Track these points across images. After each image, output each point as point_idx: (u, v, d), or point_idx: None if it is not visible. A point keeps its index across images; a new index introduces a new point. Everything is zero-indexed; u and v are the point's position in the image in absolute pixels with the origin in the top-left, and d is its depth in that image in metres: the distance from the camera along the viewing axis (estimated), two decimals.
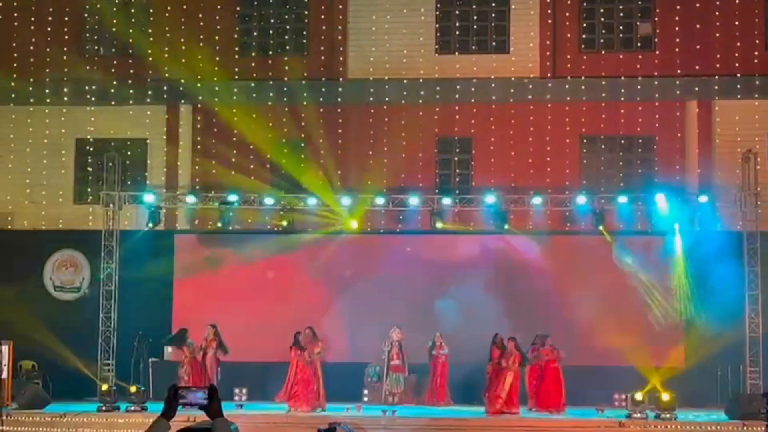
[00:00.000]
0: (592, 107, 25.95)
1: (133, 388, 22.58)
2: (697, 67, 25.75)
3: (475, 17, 26.56)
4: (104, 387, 22.75)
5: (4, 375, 21.89)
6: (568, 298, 25.12)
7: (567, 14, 26.28)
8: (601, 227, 24.39)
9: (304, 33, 26.88)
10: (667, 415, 21.45)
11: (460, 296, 24.75)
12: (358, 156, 26.07)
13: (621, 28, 26.38)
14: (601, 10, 26.39)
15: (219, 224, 25.07)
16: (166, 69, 26.61)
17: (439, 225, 24.62)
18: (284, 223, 24.98)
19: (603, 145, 26.11)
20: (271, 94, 26.50)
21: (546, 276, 25.29)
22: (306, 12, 26.86)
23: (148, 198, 24.96)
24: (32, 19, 26.97)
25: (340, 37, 26.59)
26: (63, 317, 25.46)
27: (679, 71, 25.77)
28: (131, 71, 26.81)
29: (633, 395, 21.94)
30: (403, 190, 25.20)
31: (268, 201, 24.90)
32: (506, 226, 24.46)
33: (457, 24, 26.53)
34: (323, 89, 26.45)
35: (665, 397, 21.68)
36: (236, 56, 26.81)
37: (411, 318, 24.92)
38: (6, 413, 20.66)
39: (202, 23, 26.72)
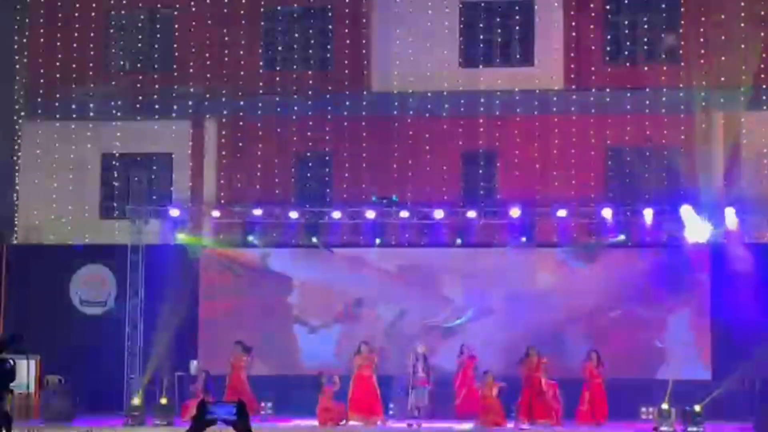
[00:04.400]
0: (617, 119, 25.87)
1: (163, 401, 22.65)
2: (723, 79, 25.63)
3: (499, 30, 26.54)
4: (134, 401, 22.79)
5: (31, 389, 22.03)
6: (594, 311, 25.11)
7: (591, 26, 26.22)
8: (622, 236, 24.29)
9: (329, 47, 26.94)
10: (695, 429, 21.35)
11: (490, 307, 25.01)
12: (382, 169, 26.05)
13: (646, 39, 26.30)
14: (626, 22, 26.33)
15: (248, 238, 25.09)
16: (191, 84, 26.73)
17: (458, 241, 24.64)
18: (314, 240, 25.00)
19: (628, 158, 26.02)
20: (295, 108, 26.54)
21: (568, 289, 25.29)
22: (330, 26, 26.92)
23: (174, 212, 25.01)
24: (58, 35, 27.14)
25: (364, 51, 26.63)
26: (89, 331, 25.55)
27: (704, 83, 25.66)
28: (156, 86, 26.93)
29: (660, 406, 21.86)
30: (428, 203, 25.17)
31: (293, 215, 24.91)
32: (523, 239, 24.40)
33: (481, 37, 26.52)
34: (347, 103, 26.48)
35: (696, 408, 21.58)
36: (261, 70, 26.88)
37: (437, 331, 25.06)
38: (33, 427, 20.72)
39: (227, 38, 26.82)
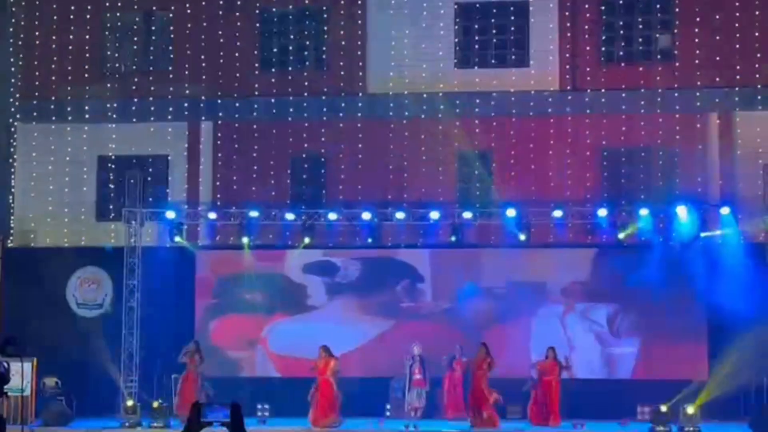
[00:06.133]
0: (612, 120, 25.88)
1: (155, 404, 22.66)
2: (718, 79, 25.65)
3: (494, 31, 26.54)
4: (128, 403, 22.82)
5: (28, 392, 22.01)
6: (589, 311, 25.20)
7: (586, 27, 26.24)
8: (623, 234, 24.38)
9: (324, 48, 26.95)
10: (691, 428, 21.39)
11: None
12: (378, 170, 26.07)
13: (641, 40, 26.30)
14: (621, 23, 26.33)
15: (243, 240, 25.11)
16: (187, 86, 26.74)
17: (453, 239, 24.68)
18: (306, 240, 25.00)
19: (623, 158, 26.04)
20: (291, 110, 26.56)
21: (567, 288, 25.38)
22: (325, 27, 26.92)
23: (170, 214, 25.01)
24: (53, 37, 27.13)
25: (359, 52, 26.63)
26: (86, 334, 25.54)
27: (699, 83, 25.68)
28: (152, 88, 26.93)
29: (658, 408, 21.89)
30: (424, 204, 25.20)
31: (289, 216, 24.93)
32: (522, 237, 24.42)
33: (477, 38, 26.52)
34: (343, 104, 26.50)
35: (690, 410, 21.60)
36: (256, 72, 26.88)
37: (436, 332, 25.14)
38: (29, 430, 20.72)
39: (222, 40, 26.82)
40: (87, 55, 27.13)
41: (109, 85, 26.95)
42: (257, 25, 27.04)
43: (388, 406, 24.52)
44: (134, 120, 26.84)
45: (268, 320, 25.89)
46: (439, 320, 25.44)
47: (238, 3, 26.95)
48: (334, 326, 25.14)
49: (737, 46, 25.63)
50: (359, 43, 26.65)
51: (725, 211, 24.05)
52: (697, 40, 25.79)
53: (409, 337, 24.56)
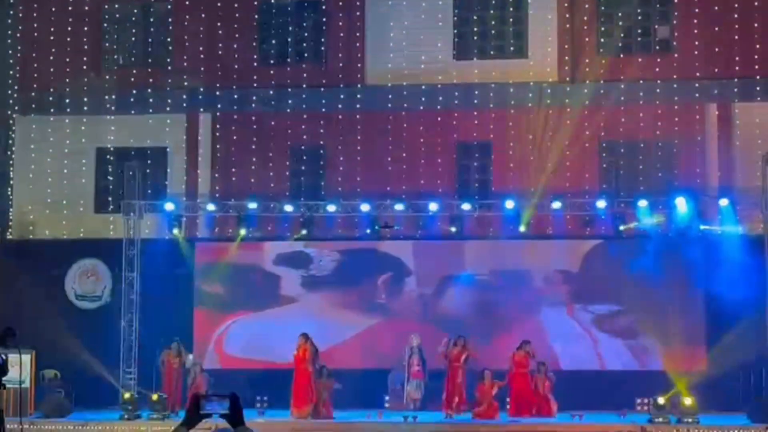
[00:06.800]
0: (611, 111, 25.87)
1: (154, 396, 22.68)
2: (716, 70, 25.64)
3: (493, 22, 26.54)
4: (126, 395, 22.85)
5: (27, 384, 22.04)
6: (589, 303, 25.21)
7: (585, 18, 26.21)
8: (622, 227, 24.37)
9: (322, 40, 26.94)
10: (689, 420, 21.43)
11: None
12: (377, 162, 26.07)
13: (639, 31, 26.31)
14: (619, 14, 26.32)
15: (242, 232, 25.13)
16: (186, 77, 26.73)
17: (453, 230, 24.68)
18: (303, 232, 25.01)
19: (622, 149, 26.04)
20: (290, 102, 26.56)
21: (564, 279, 25.39)
22: (324, 19, 26.91)
23: (169, 206, 25.04)
24: (52, 29, 27.10)
25: (358, 44, 26.62)
26: (85, 326, 25.54)
27: (698, 74, 25.66)
28: (151, 80, 26.93)
29: (655, 399, 21.92)
30: (423, 196, 25.20)
31: (288, 208, 24.95)
32: (522, 228, 24.40)
33: (475, 29, 26.51)
34: (342, 96, 26.50)
35: (687, 401, 21.64)
36: (255, 64, 26.88)
37: (432, 324, 25.09)
38: (29, 422, 20.74)
39: (220, 32, 26.80)
40: (85, 47, 27.11)
41: (107, 77, 26.95)
42: (256, 16, 27.03)
43: (387, 398, 24.53)
44: (133, 112, 26.83)
45: (231, 315, 25.84)
46: (429, 316, 25.41)
47: None
48: (307, 320, 24.91)
49: (736, 37, 25.60)
50: (358, 34, 26.63)
51: (724, 202, 24.06)
52: (695, 31, 25.77)
53: (398, 331, 24.58)
